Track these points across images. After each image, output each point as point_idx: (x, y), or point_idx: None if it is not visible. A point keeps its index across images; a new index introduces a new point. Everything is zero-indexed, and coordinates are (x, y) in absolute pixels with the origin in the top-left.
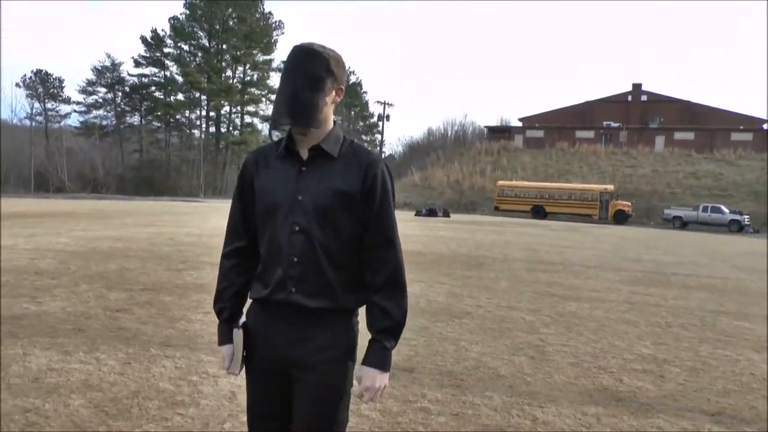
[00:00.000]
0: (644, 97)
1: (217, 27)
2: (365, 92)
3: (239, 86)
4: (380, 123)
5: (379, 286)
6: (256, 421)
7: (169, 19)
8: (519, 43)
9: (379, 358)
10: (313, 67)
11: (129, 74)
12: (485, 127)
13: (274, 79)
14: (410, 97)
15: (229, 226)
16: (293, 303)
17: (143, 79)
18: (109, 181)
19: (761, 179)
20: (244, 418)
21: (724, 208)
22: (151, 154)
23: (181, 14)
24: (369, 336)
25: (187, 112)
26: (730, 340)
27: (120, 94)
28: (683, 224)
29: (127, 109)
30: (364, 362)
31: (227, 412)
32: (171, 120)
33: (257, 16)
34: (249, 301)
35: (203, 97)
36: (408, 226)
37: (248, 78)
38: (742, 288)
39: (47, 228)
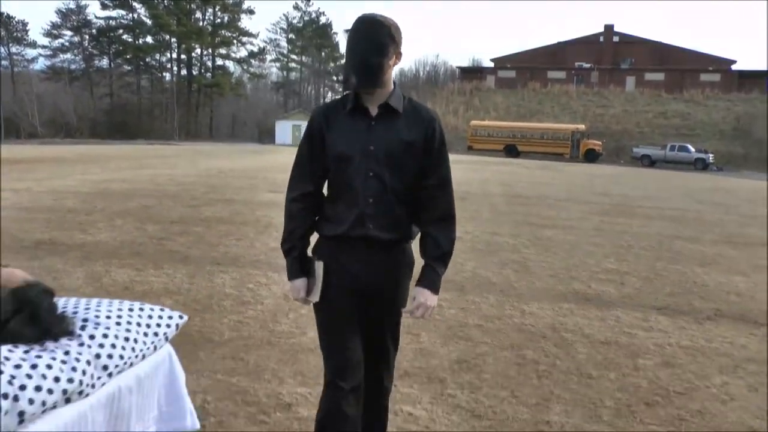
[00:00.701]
0: (616, 38)
1: None
2: (335, 33)
3: (210, 28)
4: None
5: (433, 219)
6: (339, 339)
7: None
8: None
9: (431, 281)
10: (378, 35)
11: (96, 17)
12: (457, 67)
13: (245, 22)
14: None
15: (295, 173)
16: (370, 237)
17: (111, 22)
18: (82, 126)
19: (727, 119)
20: (301, 312)
21: (690, 147)
22: (122, 98)
23: None
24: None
25: (157, 55)
26: (680, 258)
27: (87, 37)
28: (651, 162)
29: (95, 52)
30: (419, 284)
31: (287, 308)
32: (141, 63)
33: None
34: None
35: (173, 40)
36: None
37: (219, 20)
38: (698, 218)
39: (48, 173)
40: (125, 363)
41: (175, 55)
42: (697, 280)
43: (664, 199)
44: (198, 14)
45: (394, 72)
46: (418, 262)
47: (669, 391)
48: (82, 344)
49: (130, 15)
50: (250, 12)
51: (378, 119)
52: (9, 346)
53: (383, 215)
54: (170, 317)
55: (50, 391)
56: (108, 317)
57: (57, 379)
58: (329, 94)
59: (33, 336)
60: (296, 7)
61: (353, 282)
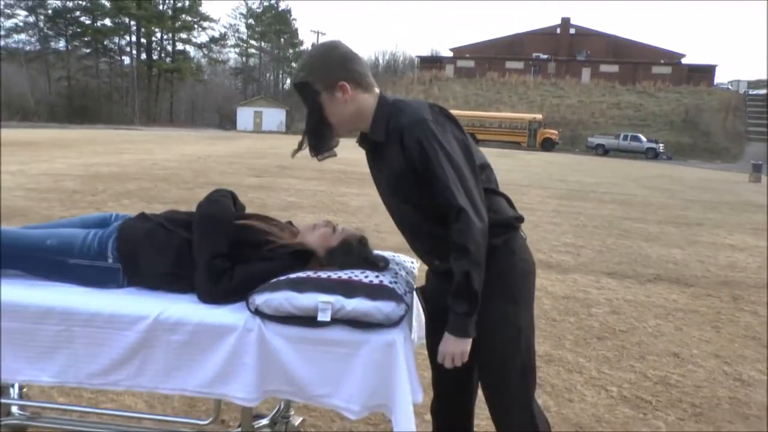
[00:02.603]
0: (572, 31)
1: None
2: (294, 19)
3: (170, 12)
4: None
5: (451, 249)
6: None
7: None
8: None
9: (450, 323)
10: (304, 100)
11: None
12: (417, 57)
13: (206, 6)
14: (341, 27)
15: None
16: (439, 270)
17: (68, 3)
18: (39, 109)
19: (677, 110)
20: None
21: (642, 136)
22: (80, 82)
23: None
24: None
25: (116, 39)
26: (628, 235)
27: (42, 17)
28: (605, 151)
29: (51, 33)
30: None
31: None
32: (99, 46)
33: None
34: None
35: (133, 23)
36: (356, 152)
37: (179, 4)
38: (645, 202)
39: (28, 156)
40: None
41: (134, 39)
42: (641, 252)
43: (615, 185)
44: None
45: None
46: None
47: (615, 329)
48: (396, 273)
49: None
50: None
51: (371, 155)
52: (356, 272)
53: (421, 248)
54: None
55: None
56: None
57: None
58: (288, 81)
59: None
60: None
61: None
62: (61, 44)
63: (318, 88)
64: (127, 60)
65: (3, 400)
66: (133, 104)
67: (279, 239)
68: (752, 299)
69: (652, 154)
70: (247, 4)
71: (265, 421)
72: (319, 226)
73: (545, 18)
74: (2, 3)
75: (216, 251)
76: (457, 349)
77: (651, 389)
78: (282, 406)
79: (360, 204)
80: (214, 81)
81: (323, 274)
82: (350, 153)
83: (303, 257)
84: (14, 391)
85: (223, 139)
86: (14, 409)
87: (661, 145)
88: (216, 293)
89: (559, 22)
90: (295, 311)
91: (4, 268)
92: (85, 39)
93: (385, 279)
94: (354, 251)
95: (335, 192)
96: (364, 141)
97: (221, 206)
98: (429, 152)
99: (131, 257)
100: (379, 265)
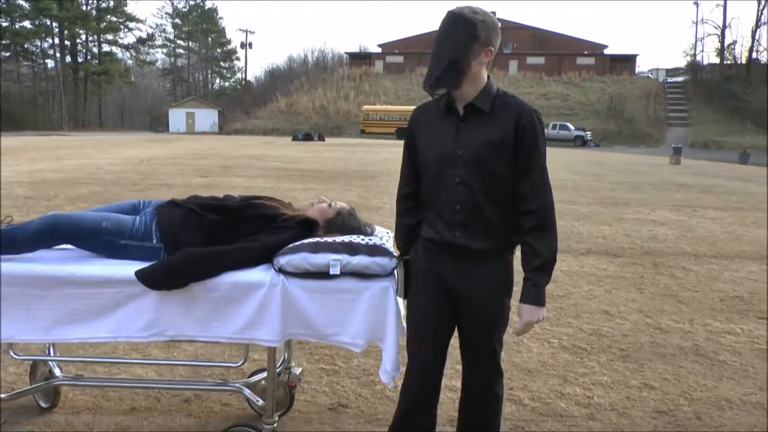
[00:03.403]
0: (498, 25)
1: None
2: (221, 18)
3: (94, 13)
4: (239, 50)
5: (530, 228)
6: (420, 340)
7: None
8: None
9: (533, 295)
10: (461, 32)
11: None
12: (346, 53)
13: (131, 7)
14: (269, 24)
15: (401, 174)
16: (458, 245)
17: None
18: None
19: (602, 99)
20: None
21: (570, 125)
22: (2, 87)
23: None
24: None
25: (37, 41)
26: (562, 216)
27: None
28: None
29: None
30: (521, 300)
31: None
32: (20, 49)
33: None
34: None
35: (55, 25)
36: (293, 150)
37: (104, 4)
38: (575, 186)
39: None
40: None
41: (57, 41)
42: (574, 231)
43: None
44: None
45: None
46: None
47: (554, 295)
48: (382, 237)
49: None
50: None
51: (465, 120)
52: (354, 237)
53: (473, 223)
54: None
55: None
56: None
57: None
58: (217, 81)
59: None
60: None
61: (443, 286)
62: None
63: (480, 36)
64: (51, 63)
65: (51, 359)
66: (60, 109)
67: (287, 213)
68: (670, 264)
69: (580, 142)
70: (173, 3)
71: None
72: (316, 203)
73: None
74: None
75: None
76: (539, 316)
77: (586, 339)
78: (285, 357)
79: (309, 197)
80: (142, 83)
81: (329, 239)
82: (286, 151)
83: (309, 226)
84: (52, 352)
85: (159, 142)
86: (57, 371)
87: (588, 132)
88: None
89: None
90: (311, 268)
91: (66, 245)
92: (4, 42)
93: (378, 241)
94: (347, 220)
95: (282, 188)
96: (448, 104)
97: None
98: (538, 138)
99: (171, 238)
100: (367, 231)
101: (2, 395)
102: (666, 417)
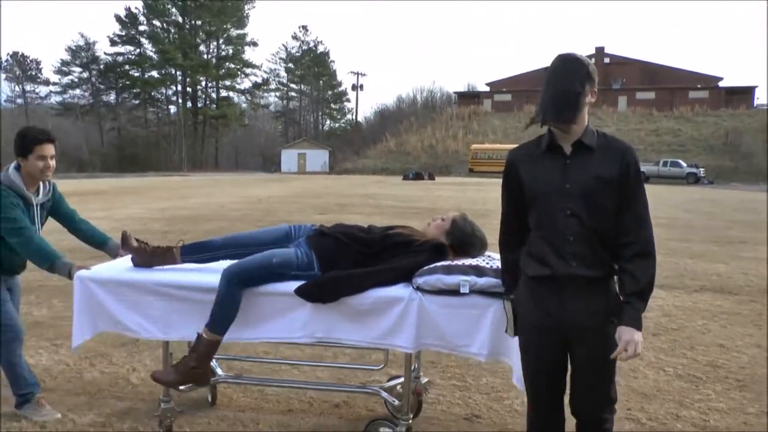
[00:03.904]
0: (607, 60)
1: (190, 3)
2: (333, 61)
3: (214, 61)
4: (349, 92)
5: (631, 256)
6: (535, 387)
7: None
8: (484, 10)
9: (632, 318)
10: (576, 72)
11: (105, 53)
12: (454, 92)
13: (248, 53)
14: (379, 66)
15: (503, 213)
16: (574, 275)
17: (118, 57)
18: (93, 160)
19: (716, 134)
20: None
21: (682, 162)
22: (129, 132)
23: None
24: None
25: (162, 89)
26: (674, 254)
27: (95, 73)
28: (646, 178)
29: (103, 87)
30: (621, 323)
31: None
32: (147, 96)
33: None
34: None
35: (178, 73)
36: (404, 189)
37: (223, 53)
38: (687, 224)
39: (103, 204)
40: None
41: (180, 88)
42: (687, 268)
43: (657, 210)
44: (202, 47)
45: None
46: None
47: (667, 328)
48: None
49: (138, 50)
50: (254, 44)
51: (572, 157)
52: (480, 260)
53: (584, 253)
54: None
55: None
56: None
57: None
58: (327, 122)
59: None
60: (294, 37)
61: (555, 322)
62: (112, 97)
63: (592, 76)
64: (173, 108)
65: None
66: (180, 151)
67: (419, 239)
68: None
69: (693, 179)
70: (286, 48)
71: (401, 380)
72: (432, 223)
73: (579, 48)
74: (60, 61)
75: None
76: (639, 339)
77: (701, 369)
78: (416, 367)
79: None
80: (255, 125)
81: (459, 262)
82: (397, 190)
83: (440, 250)
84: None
85: (273, 181)
86: (219, 371)
87: (701, 169)
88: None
89: (593, 51)
90: (444, 287)
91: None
92: (134, 91)
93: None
94: (462, 224)
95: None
96: (552, 141)
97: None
98: (639, 175)
99: (327, 266)
100: (480, 237)
101: (181, 388)
102: None
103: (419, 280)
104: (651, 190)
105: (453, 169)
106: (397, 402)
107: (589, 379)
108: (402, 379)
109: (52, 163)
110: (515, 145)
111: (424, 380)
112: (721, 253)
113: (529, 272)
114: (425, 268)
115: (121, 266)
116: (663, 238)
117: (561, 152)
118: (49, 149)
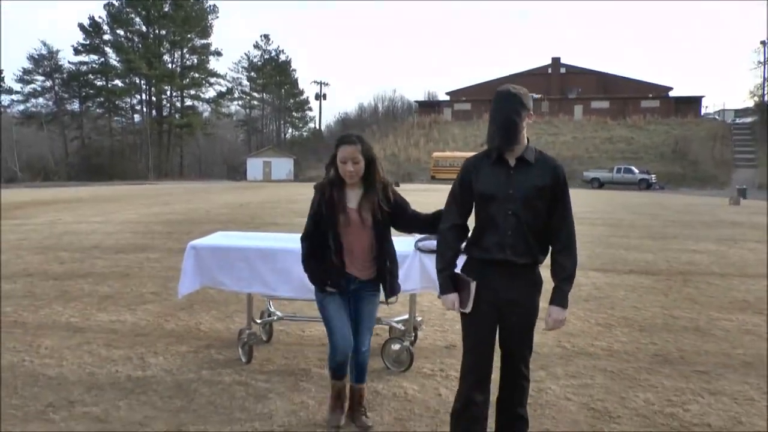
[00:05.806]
0: (563, 70)
1: (154, 13)
2: (294, 70)
3: (179, 70)
4: (312, 100)
5: (559, 248)
6: (478, 344)
7: (105, 5)
8: (444, 21)
9: (561, 299)
10: (512, 105)
11: (69, 62)
12: (415, 101)
13: (213, 63)
14: (340, 74)
15: (448, 209)
16: (508, 261)
17: (82, 66)
18: (59, 169)
19: (667, 142)
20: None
21: (634, 168)
22: (94, 141)
23: (116, 0)
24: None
25: (127, 98)
26: (612, 246)
27: (59, 81)
28: (600, 184)
29: (66, 96)
30: (551, 303)
31: None
32: (111, 106)
33: (191, 0)
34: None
35: (143, 82)
36: None
37: (188, 62)
38: (631, 224)
39: (92, 211)
40: None
41: (145, 97)
42: (620, 257)
43: (607, 213)
44: (166, 57)
45: None
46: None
47: (596, 296)
48: None
49: (102, 59)
50: (218, 54)
51: (516, 168)
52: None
53: (518, 244)
54: None
55: None
56: None
57: None
58: (290, 131)
59: None
60: (256, 46)
61: (495, 296)
62: (75, 106)
63: (526, 104)
64: (137, 117)
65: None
66: (146, 160)
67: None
68: (697, 280)
69: (645, 185)
70: (249, 57)
71: (405, 317)
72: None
73: (536, 59)
74: (21, 70)
75: None
76: (564, 315)
77: (615, 320)
78: (413, 309)
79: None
80: (218, 134)
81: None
82: None
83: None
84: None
85: (244, 189)
86: (278, 312)
87: (653, 176)
88: None
89: (549, 61)
90: (434, 248)
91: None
92: (99, 100)
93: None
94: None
95: None
96: (500, 155)
97: None
98: (566, 186)
99: None
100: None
101: (257, 320)
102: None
103: (419, 243)
104: (604, 195)
105: (415, 176)
106: (402, 327)
107: (515, 337)
108: (406, 316)
109: None
110: (475, 153)
111: (419, 319)
112: (653, 246)
113: (474, 255)
114: (423, 235)
115: (220, 238)
116: (606, 235)
117: (506, 164)
118: None
